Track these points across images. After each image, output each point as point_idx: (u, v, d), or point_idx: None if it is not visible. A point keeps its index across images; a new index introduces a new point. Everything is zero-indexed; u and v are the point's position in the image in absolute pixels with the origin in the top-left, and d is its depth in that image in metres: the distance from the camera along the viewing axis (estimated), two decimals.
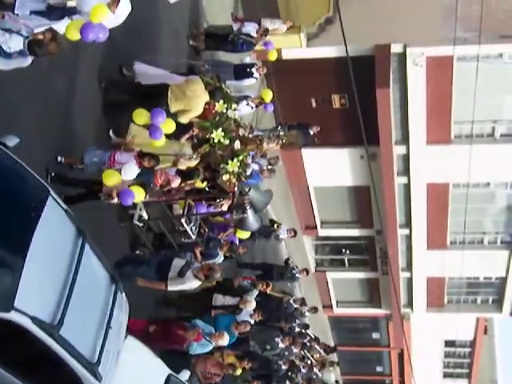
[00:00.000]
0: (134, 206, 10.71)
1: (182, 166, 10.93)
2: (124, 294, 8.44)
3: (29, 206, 6.75)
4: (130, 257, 11.86)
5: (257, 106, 14.27)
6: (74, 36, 7.82)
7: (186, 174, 10.97)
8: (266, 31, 14.41)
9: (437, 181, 22.30)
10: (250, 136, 13.07)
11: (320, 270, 28.98)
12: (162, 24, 13.49)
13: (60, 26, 7.81)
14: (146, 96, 10.83)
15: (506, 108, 20.39)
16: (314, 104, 21.71)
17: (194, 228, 12.45)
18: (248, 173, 11.87)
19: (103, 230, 10.17)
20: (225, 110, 11.58)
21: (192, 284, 10.96)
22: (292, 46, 18.54)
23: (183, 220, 12.04)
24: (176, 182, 10.75)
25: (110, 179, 9.29)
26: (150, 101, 10.57)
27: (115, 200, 9.39)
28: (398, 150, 21.49)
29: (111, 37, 8.33)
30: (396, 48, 18.93)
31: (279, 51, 19.34)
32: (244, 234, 13.73)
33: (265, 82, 18.64)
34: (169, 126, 10.31)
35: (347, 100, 21.27)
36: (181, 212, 12.14)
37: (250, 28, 14.28)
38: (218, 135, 11.33)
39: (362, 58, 18.33)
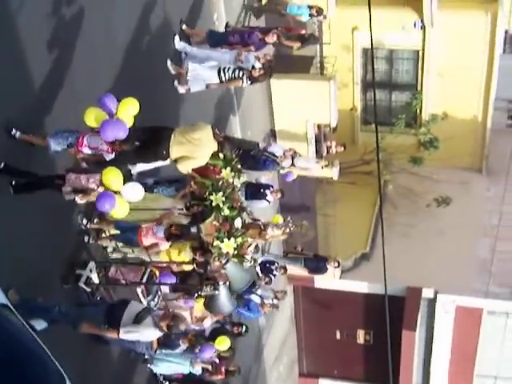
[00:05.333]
0: (85, 265, 9.20)
1: (166, 224, 9.38)
2: None
3: None
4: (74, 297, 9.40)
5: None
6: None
7: (175, 236, 9.33)
8: (294, 153, 13.26)
9: None
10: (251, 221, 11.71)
11: None
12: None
13: None
14: (142, 142, 8.80)
15: None
16: (338, 335, 21.63)
17: (153, 304, 9.93)
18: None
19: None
20: (231, 180, 10.18)
21: (150, 334, 8.86)
22: (325, 277, 18.90)
23: (139, 290, 9.65)
24: (164, 246, 9.37)
25: (111, 176, 7.77)
26: (148, 146, 8.84)
27: (85, 199, 8.02)
28: None
29: None
30: (427, 293, 19.17)
31: (312, 279, 19.81)
32: (223, 344, 11.56)
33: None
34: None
35: (372, 337, 21.25)
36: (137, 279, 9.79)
37: (277, 149, 13.26)
38: (217, 199, 9.84)
39: (392, 297, 18.53)
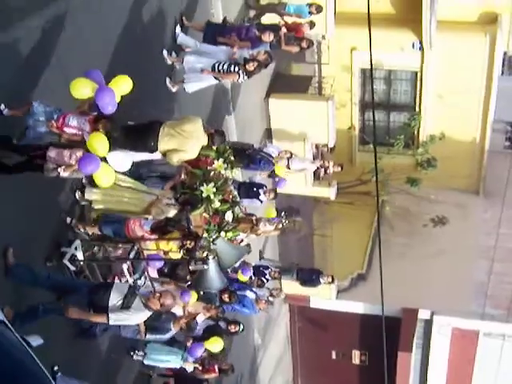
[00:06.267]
0: (70, 243, 8.86)
1: (158, 215, 9.02)
2: None
3: None
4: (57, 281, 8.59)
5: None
6: None
7: (163, 229, 9.01)
8: (290, 155, 13.16)
9: None
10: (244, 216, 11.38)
11: None
12: None
13: None
14: (132, 131, 8.68)
15: None
16: (334, 356, 21.58)
17: (138, 282, 9.43)
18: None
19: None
20: (223, 172, 9.83)
21: (140, 316, 8.38)
22: (321, 296, 18.86)
23: (125, 267, 9.14)
24: (151, 237, 9.10)
25: (97, 140, 7.34)
26: (137, 136, 8.61)
27: (69, 171, 7.55)
28: None
29: None
30: (423, 314, 19.14)
31: (308, 298, 19.76)
32: (215, 345, 11.23)
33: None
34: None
35: (367, 357, 21.18)
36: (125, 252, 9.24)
37: (273, 149, 13.20)
38: (208, 190, 9.44)
39: (388, 318, 18.44)
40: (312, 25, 13.22)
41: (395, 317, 18.81)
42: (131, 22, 10.51)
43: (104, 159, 7.40)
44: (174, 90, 11.84)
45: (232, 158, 10.08)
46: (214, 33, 12.05)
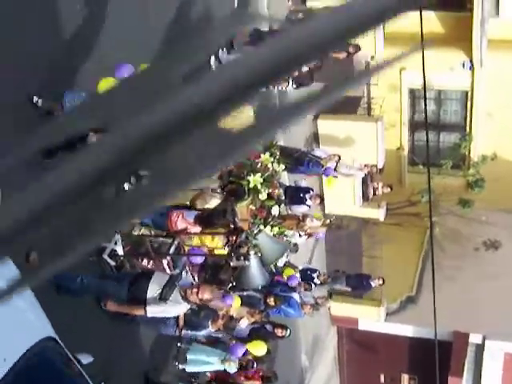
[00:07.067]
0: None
1: (202, 205, 8.72)
2: None
3: None
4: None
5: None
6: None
7: (207, 221, 8.60)
8: (339, 158, 13.01)
9: None
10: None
11: None
12: None
13: None
14: None
15: None
16: (382, 379, 21.23)
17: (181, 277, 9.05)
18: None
19: None
20: (270, 165, 9.69)
21: (180, 309, 8.13)
22: (370, 318, 18.64)
23: (165, 262, 8.74)
24: (195, 230, 8.73)
25: None
26: None
27: None
28: None
29: None
30: (475, 338, 18.74)
31: (356, 321, 19.54)
32: (257, 348, 10.68)
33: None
34: None
35: (417, 382, 20.78)
36: (165, 247, 8.79)
37: (320, 153, 13.17)
38: (255, 180, 9.19)
39: (438, 342, 18.07)
40: (358, 49, 13.16)
41: (446, 340, 18.41)
42: (178, 18, 10.47)
43: None
44: None
45: (278, 153, 10.06)
46: (261, 38, 11.79)
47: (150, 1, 9.98)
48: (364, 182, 15.68)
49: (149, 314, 7.97)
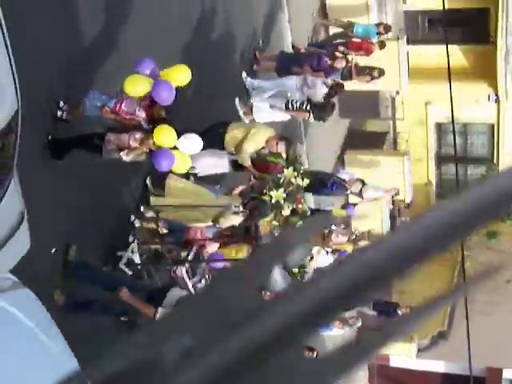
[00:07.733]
0: (127, 246, 8.37)
1: (225, 223, 8.59)
2: None
3: None
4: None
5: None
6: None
7: (229, 238, 8.57)
8: (363, 183, 12.68)
9: None
10: None
11: None
12: None
13: None
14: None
15: None
16: None
17: (198, 286, 8.72)
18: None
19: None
20: (293, 180, 9.53)
21: None
22: (401, 354, 18.40)
23: (183, 270, 8.39)
24: (213, 247, 8.63)
25: (162, 133, 7.04)
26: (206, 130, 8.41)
27: (132, 155, 7.18)
28: None
29: None
30: (508, 374, 18.42)
31: (387, 357, 19.31)
32: None
33: None
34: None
35: None
36: (183, 255, 8.57)
37: (345, 176, 12.89)
38: (278, 195, 9.04)
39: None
40: (382, 45, 13.11)
41: (479, 376, 18.10)
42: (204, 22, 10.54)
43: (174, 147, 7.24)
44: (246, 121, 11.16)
45: (302, 168, 10.03)
46: (289, 63, 11.90)
47: (174, 1, 9.93)
48: (392, 216, 15.65)
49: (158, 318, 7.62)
